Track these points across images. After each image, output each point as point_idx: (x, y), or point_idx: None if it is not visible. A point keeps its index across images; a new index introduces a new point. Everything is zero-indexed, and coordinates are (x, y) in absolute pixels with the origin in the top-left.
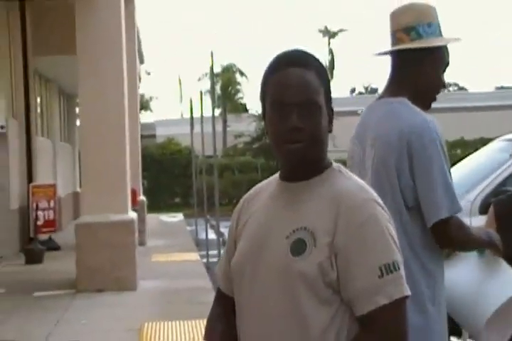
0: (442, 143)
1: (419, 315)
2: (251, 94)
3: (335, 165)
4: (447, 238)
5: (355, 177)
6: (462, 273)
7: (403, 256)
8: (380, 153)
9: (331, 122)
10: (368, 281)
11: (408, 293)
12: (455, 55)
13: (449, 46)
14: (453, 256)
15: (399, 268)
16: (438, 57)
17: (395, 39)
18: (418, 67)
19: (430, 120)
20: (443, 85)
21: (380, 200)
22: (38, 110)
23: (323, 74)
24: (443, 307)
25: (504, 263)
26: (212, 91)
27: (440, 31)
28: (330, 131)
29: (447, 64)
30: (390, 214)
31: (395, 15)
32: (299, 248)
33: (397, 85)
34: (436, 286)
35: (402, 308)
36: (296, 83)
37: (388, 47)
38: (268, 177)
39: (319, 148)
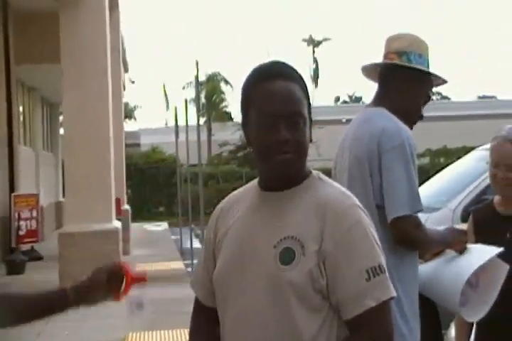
0: (412, 149)
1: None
2: (236, 103)
3: (314, 172)
4: (403, 235)
5: (336, 184)
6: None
7: None
8: (354, 153)
9: (311, 132)
10: (356, 285)
11: (394, 294)
12: (438, 63)
13: (431, 58)
14: None
15: (384, 271)
16: (421, 85)
17: (386, 58)
18: (401, 84)
19: (402, 127)
20: (420, 115)
21: (361, 205)
22: (21, 119)
23: (305, 86)
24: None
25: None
26: (197, 99)
27: (428, 67)
28: (310, 140)
29: (428, 97)
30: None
31: (390, 40)
32: (287, 257)
33: (378, 100)
34: (405, 281)
35: (388, 309)
36: (285, 95)
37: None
38: None
39: (304, 158)
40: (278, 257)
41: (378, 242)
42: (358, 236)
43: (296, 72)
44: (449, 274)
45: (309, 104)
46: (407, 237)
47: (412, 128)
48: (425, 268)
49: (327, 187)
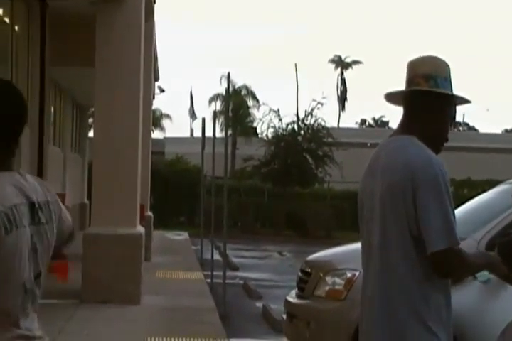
0: (446, 179)
1: None
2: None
3: None
4: (443, 268)
5: None
6: (467, 298)
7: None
8: (387, 181)
9: None
10: None
11: None
12: (466, 95)
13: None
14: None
15: None
16: (448, 109)
17: (413, 84)
18: (429, 113)
19: (435, 157)
20: (446, 138)
21: None
22: (52, 119)
23: None
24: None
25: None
26: (226, 112)
27: (452, 87)
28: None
29: (454, 118)
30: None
31: (415, 64)
32: None
33: (406, 127)
34: (440, 315)
35: None
36: None
37: (402, 88)
38: (275, 202)
39: None
40: None
41: None
42: None
43: None
44: None
45: None
46: (446, 271)
47: (440, 151)
48: None
49: None
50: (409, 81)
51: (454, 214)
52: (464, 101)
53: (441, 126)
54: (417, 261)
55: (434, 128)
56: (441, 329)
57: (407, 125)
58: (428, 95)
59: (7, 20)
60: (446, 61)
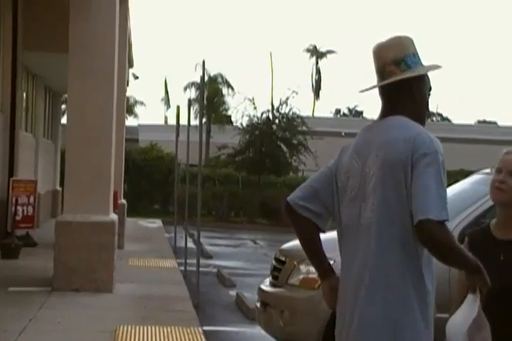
0: (443, 159)
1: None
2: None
3: None
4: (430, 237)
5: None
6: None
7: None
8: (387, 158)
9: None
10: None
11: None
12: (439, 86)
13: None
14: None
15: None
16: (425, 84)
17: (386, 73)
18: (409, 95)
19: (434, 137)
20: (428, 109)
21: None
22: (24, 105)
23: None
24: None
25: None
26: (201, 100)
27: (420, 59)
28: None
29: (431, 88)
30: None
31: (380, 51)
32: None
33: (393, 114)
34: (428, 301)
35: None
36: None
37: (375, 82)
38: (249, 190)
39: None
40: None
41: None
42: None
43: None
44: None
45: None
46: (434, 241)
47: (425, 123)
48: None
49: None
50: (381, 70)
51: (446, 192)
52: (435, 68)
53: (422, 101)
54: (415, 244)
55: (417, 106)
56: (431, 303)
57: (390, 111)
58: (402, 81)
59: None
60: (407, 35)
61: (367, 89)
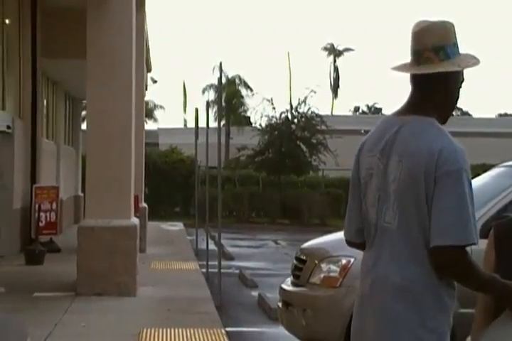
0: (468, 171)
1: None
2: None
3: None
4: (443, 264)
5: None
6: None
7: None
8: (409, 167)
9: None
10: None
11: None
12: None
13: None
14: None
15: None
16: (460, 76)
17: (422, 58)
18: (444, 86)
19: (459, 146)
20: (457, 102)
21: None
22: (44, 112)
23: None
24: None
25: None
26: (219, 102)
27: (459, 49)
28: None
29: (463, 80)
30: None
31: (421, 34)
32: None
33: (422, 103)
34: (448, 322)
35: None
36: None
37: (409, 65)
38: (269, 191)
39: None
40: None
41: None
42: None
43: None
44: None
45: None
46: (447, 267)
47: (448, 118)
48: None
49: None
50: (417, 53)
51: (473, 212)
52: (474, 65)
53: (453, 96)
54: None
55: (448, 101)
56: (451, 308)
57: (421, 101)
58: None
59: None
60: (451, 21)
61: (399, 69)
